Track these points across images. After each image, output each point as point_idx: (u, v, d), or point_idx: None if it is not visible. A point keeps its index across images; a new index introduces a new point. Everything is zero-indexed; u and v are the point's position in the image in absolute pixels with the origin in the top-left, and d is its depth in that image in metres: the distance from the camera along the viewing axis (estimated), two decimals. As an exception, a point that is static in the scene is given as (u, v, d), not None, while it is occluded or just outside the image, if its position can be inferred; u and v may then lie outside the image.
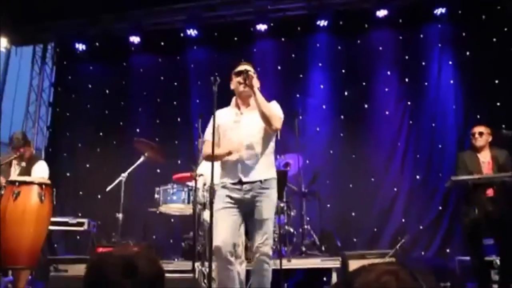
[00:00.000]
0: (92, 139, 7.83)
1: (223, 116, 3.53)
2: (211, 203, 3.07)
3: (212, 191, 3.06)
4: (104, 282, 1.05)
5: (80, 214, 6.92)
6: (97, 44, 8.08)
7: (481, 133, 4.72)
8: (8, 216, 3.85)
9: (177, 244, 6.75)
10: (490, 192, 4.53)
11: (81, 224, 5.95)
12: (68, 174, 7.75)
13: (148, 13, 7.70)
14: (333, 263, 4.98)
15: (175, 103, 7.73)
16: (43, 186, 4.08)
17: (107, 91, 8.03)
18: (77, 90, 8.17)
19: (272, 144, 3.49)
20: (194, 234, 3.89)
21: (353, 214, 6.81)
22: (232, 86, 3.57)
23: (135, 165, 4.56)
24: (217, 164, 3.36)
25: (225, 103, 3.63)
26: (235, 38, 7.75)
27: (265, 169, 3.38)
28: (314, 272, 5.50)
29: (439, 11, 7.03)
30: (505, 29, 7.00)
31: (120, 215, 4.38)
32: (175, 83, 7.80)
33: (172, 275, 3.53)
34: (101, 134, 7.86)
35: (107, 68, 8.15)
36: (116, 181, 4.40)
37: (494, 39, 6.95)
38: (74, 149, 7.86)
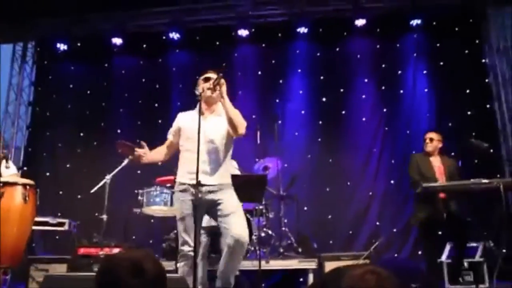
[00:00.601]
0: (72, 139, 7.83)
1: (187, 119, 3.69)
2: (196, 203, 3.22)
3: (196, 192, 3.18)
4: (115, 282, 1.17)
5: (59, 214, 6.93)
6: (78, 44, 8.09)
7: (431, 139, 5.07)
8: (-8, 216, 3.89)
9: (157, 244, 6.85)
10: (442, 195, 4.79)
11: (61, 224, 5.98)
12: (47, 174, 7.75)
13: (131, 15, 7.78)
14: (310, 264, 5.17)
15: (156, 105, 7.81)
16: (27, 187, 4.13)
17: (88, 92, 8.04)
18: (58, 90, 8.16)
19: (231, 151, 3.67)
20: (177, 235, 4.00)
21: (329, 217, 7.01)
22: (199, 91, 3.63)
23: (119, 167, 4.63)
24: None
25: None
26: (217, 43, 7.89)
27: (225, 173, 3.56)
28: (291, 273, 5.69)
29: (415, 22, 7.29)
30: (477, 41, 7.33)
31: (104, 216, 4.44)
32: (157, 86, 7.89)
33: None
34: (81, 134, 7.88)
35: (89, 68, 8.17)
36: (101, 183, 4.47)
37: (466, 51, 7.26)
38: (54, 149, 7.85)
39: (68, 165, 7.76)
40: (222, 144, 3.57)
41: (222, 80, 3.47)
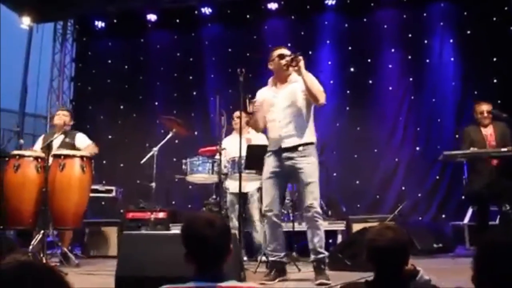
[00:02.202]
0: (113, 111, 8.30)
1: (263, 94, 4.03)
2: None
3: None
4: (195, 233, 1.61)
5: (104, 182, 7.51)
6: (115, 21, 8.47)
7: (488, 112, 5.16)
8: (56, 185, 4.44)
9: (196, 209, 7.38)
10: (494, 162, 5.03)
11: (109, 191, 6.54)
12: (92, 143, 8.28)
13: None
14: (339, 226, 5.59)
15: (191, 77, 8.18)
16: (84, 159, 4.65)
17: (126, 67, 8.48)
18: (97, 65, 8.62)
19: (312, 114, 3.94)
20: (220, 200, 4.49)
21: (357, 182, 7.35)
22: (273, 66, 3.97)
23: (165, 140, 5.08)
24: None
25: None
26: (247, 16, 8.15)
27: (307, 135, 3.83)
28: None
29: (443, -10, 7.37)
30: (505, 8, 7.33)
31: (153, 184, 4.92)
32: (191, 59, 8.23)
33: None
34: (121, 107, 8.35)
35: (125, 44, 8.59)
36: (149, 155, 4.93)
37: (494, 18, 7.27)
38: (96, 121, 8.34)
39: (110, 136, 8.27)
40: (303, 105, 3.83)
41: (300, 57, 3.72)
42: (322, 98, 3.79)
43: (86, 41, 8.84)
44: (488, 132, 5.20)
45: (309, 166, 3.76)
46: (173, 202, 7.75)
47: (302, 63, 3.71)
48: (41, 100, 8.56)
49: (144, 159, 4.94)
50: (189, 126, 5.60)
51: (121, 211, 6.92)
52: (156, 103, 8.22)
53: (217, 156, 4.67)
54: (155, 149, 4.89)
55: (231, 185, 4.90)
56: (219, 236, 1.61)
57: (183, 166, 4.70)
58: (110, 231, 5.87)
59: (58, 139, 4.98)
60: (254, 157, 4.07)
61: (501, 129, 5.12)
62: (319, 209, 3.79)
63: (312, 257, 3.74)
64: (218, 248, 1.61)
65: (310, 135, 3.87)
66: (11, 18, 8.60)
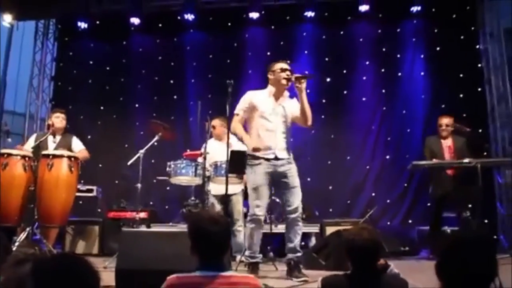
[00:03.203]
0: (93, 112, 8.40)
1: (261, 100, 4.28)
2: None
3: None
4: (200, 229, 1.86)
5: (82, 182, 7.61)
6: (98, 23, 8.54)
7: (447, 125, 5.65)
8: (44, 184, 4.58)
9: (173, 209, 7.58)
10: (450, 172, 5.49)
11: (90, 191, 6.67)
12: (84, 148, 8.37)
13: (147, -4, 8.24)
14: (313, 228, 5.89)
15: (171, 82, 8.35)
16: (72, 159, 4.80)
17: (107, 68, 8.59)
18: (79, 65, 8.68)
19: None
20: (203, 201, 4.71)
21: (330, 187, 7.68)
22: (273, 76, 4.28)
23: (151, 143, 5.26)
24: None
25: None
26: (229, 24, 8.39)
27: (289, 149, 4.27)
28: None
29: (415, 8, 7.75)
30: (472, 28, 7.83)
31: (138, 185, 5.10)
32: (172, 64, 8.40)
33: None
34: (102, 108, 8.45)
35: (108, 46, 8.68)
36: (135, 157, 5.09)
37: (462, 37, 7.75)
38: (76, 121, 8.35)
39: (89, 136, 8.30)
40: (289, 126, 4.26)
41: (305, 79, 4.10)
42: (310, 120, 4.19)
43: (68, 41, 8.88)
44: (447, 144, 5.70)
45: (295, 173, 4.15)
46: (151, 203, 7.90)
47: (304, 85, 4.06)
48: (20, 98, 8.58)
49: (131, 161, 5.11)
50: (173, 131, 5.79)
51: (99, 210, 7.08)
52: (137, 105, 8.37)
53: (200, 160, 4.90)
54: (142, 151, 5.07)
55: (214, 188, 5.13)
56: (222, 232, 1.86)
57: (167, 168, 4.90)
58: (91, 229, 6.00)
59: (54, 141, 5.16)
60: (236, 162, 4.31)
61: (459, 143, 5.62)
62: (301, 211, 4.12)
63: (291, 255, 4.01)
64: (220, 243, 1.87)
65: (290, 150, 4.29)
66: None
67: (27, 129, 8.36)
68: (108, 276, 2.85)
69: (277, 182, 4.18)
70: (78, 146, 5.28)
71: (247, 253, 4.21)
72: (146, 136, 7.77)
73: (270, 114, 4.16)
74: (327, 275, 2.27)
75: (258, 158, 4.12)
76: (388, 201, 7.50)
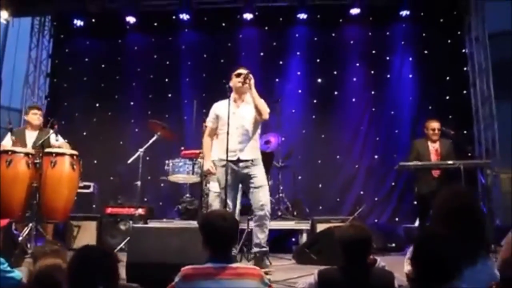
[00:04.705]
0: (88, 109, 8.48)
1: (223, 107, 4.52)
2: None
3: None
4: (211, 224, 2.08)
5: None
6: (93, 20, 8.67)
7: (438, 129, 5.92)
8: (48, 181, 4.75)
9: (166, 206, 7.76)
10: (435, 173, 5.77)
11: (87, 187, 6.81)
12: (66, 141, 8.48)
13: (143, -5, 8.37)
14: (304, 225, 6.13)
15: (166, 80, 8.49)
16: (74, 157, 4.97)
17: (103, 66, 8.68)
18: (74, 63, 8.76)
19: (258, 131, 4.60)
20: (201, 198, 4.92)
21: (320, 185, 7.91)
22: (232, 84, 4.55)
23: (150, 142, 5.44)
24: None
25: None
26: (223, 24, 8.55)
27: (254, 150, 4.49)
28: (285, 233, 6.64)
29: (404, 12, 8.01)
30: (459, 32, 8.12)
31: (138, 183, 5.28)
32: (167, 62, 8.54)
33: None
34: (97, 105, 8.53)
35: (103, 44, 8.78)
36: (135, 155, 5.27)
37: (449, 41, 8.05)
38: (72, 118, 8.45)
39: (84, 133, 8.46)
40: (251, 127, 4.46)
41: (251, 76, 4.36)
42: (266, 114, 4.43)
43: (64, 38, 8.96)
44: (435, 147, 5.96)
45: (260, 174, 4.43)
46: (145, 199, 8.07)
47: (252, 81, 4.33)
48: (16, 94, 8.66)
49: (131, 159, 5.28)
50: (172, 131, 5.95)
51: (93, 206, 7.23)
52: (132, 103, 8.50)
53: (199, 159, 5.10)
54: (141, 150, 5.25)
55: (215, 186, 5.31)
56: (230, 227, 2.08)
57: (166, 167, 5.10)
58: (89, 225, 6.15)
59: (32, 137, 5.30)
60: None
61: (446, 147, 5.89)
62: (269, 209, 4.43)
63: (257, 249, 4.31)
64: (229, 237, 2.09)
65: (256, 151, 4.53)
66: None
67: (23, 124, 8.44)
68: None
69: (243, 182, 4.47)
70: (59, 140, 5.37)
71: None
72: (141, 133, 7.99)
73: (230, 118, 4.35)
74: (322, 268, 2.49)
75: (223, 159, 4.30)
76: (376, 199, 7.77)
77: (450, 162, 5.05)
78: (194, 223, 5.25)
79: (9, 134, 5.60)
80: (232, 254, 2.13)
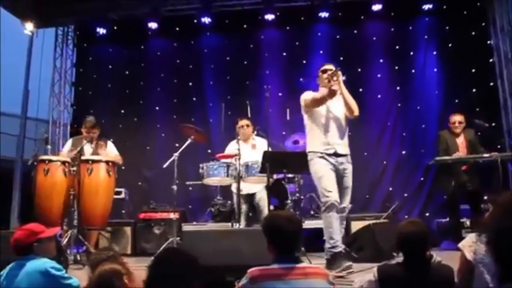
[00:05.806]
0: (114, 116, 8.57)
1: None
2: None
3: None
4: (276, 227, 2.10)
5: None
6: (115, 28, 8.78)
7: (460, 122, 5.90)
8: (85, 188, 4.81)
9: (196, 209, 7.79)
10: (465, 167, 5.73)
11: (119, 193, 6.88)
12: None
13: (164, 0, 8.43)
14: (340, 223, 6.08)
15: (190, 84, 8.54)
16: (110, 164, 5.03)
17: (126, 72, 8.78)
18: (98, 70, 8.90)
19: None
20: (239, 200, 4.93)
21: (349, 183, 7.89)
22: (318, 81, 4.56)
23: (184, 146, 5.48)
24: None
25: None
26: (245, 26, 8.59)
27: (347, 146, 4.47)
28: (316, 232, 6.61)
29: (427, 6, 7.97)
30: (483, 24, 8.03)
31: (174, 187, 5.31)
32: (190, 66, 8.59)
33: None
34: (122, 111, 8.64)
35: (126, 50, 8.89)
36: (171, 159, 5.31)
37: (473, 33, 7.95)
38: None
39: (111, 140, 8.53)
40: (343, 121, 4.46)
41: (339, 72, 4.29)
42: (356, 111, 4.41)
43: (87, 47, 9.09)
44: (460, 140, 5.93)
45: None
46: (175, 203, 8.12)
47: (340, 78, 4.27)
48: (43, 105, 8.80)
49: (166, 163, 5.33)
50: (205, 134, 6.00)
51: (123, 211, 7.31)
52: (157, 108, 8.58)
53: (232, 160, 5.12)
54: (176, 154, 5.29)
55: (244, 187, 5.34)
56: (295, 229, 2.09)
57: (200, 170, 5.12)
58: (124, 231, 6.22)
59: (89, 147, 5.40)
60: (270, 162, 4.53)
61: (469, 136, 5.84)
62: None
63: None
64: (294, 238, 2.09)
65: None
66: (12, 23, 8.83)
67: (51, 134, 8.57)
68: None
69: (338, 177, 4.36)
70: (112, 152, 5.49)
71: (327, 245, 4.20)
72: (168, 137, 8.07)
73: (322, 112, 4.43)
74: (381, 265, 2.48)
75: (321, 152, 4.29)
76: (405, 195, 7.70)
77: (486, 155, 4.99)
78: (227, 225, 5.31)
79: (69, 141, 5.71)
80: (296, 255, 2.10)
